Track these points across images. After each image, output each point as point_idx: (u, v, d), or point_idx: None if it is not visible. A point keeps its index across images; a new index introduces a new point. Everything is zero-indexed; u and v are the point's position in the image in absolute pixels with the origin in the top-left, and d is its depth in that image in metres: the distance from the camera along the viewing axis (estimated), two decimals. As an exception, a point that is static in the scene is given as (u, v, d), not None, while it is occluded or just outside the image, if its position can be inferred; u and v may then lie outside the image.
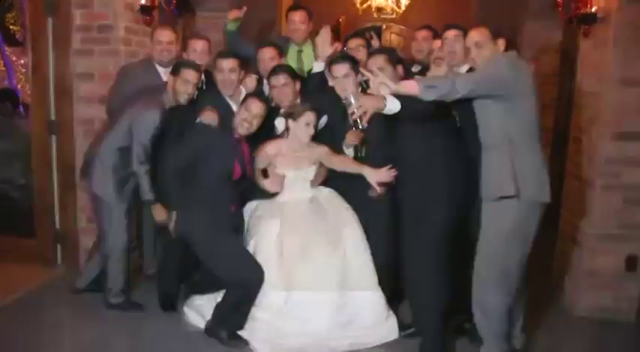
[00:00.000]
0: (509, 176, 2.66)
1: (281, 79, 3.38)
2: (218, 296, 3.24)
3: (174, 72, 3.28)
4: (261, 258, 3.10)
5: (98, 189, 3.34)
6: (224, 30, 4.01)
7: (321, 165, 3.34)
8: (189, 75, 3.25)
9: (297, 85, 3.46)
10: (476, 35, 2.82)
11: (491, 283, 2.75)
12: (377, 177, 2.86)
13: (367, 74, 2.61)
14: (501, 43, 2.84)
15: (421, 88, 2.46)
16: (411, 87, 2.48)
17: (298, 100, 3.48)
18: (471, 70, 3.02)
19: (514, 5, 5.69)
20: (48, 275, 3.98)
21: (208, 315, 3.22)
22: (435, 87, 2.49)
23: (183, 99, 3.26)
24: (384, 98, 2.51)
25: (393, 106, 2.52)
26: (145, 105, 3.24)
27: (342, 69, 3.18)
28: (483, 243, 2.78)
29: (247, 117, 3.14)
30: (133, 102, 3.30)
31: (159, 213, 3.29)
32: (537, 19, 5.49)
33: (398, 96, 2.51)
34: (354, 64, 3.22)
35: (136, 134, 3.21)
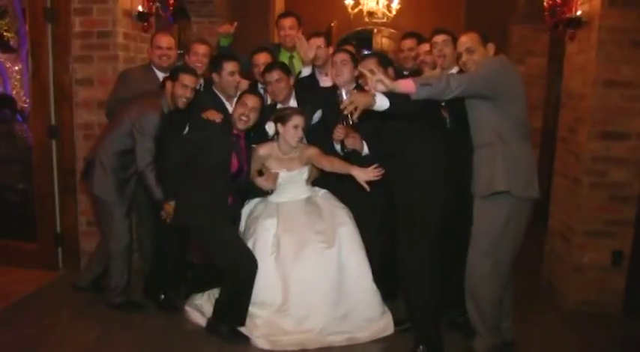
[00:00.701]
0: (501, 172, 2.76)
1: (275, 75, 3.51)
2: (217, 294, 3.32)
3: (173, 77, 3.36)
4: (258, 257, 3.18)
5: (98, 191, 3.41)
6: (217, 45, 4.11)
7: (312, 165, 3.43)
8: (188, 80, 3.33)
9: (291, 80, 3.60)
10: (467, 41, 2.92)
11: (484, 276, 2.85)
12: (364, 176, 2.96)
13: (365, 72, 2.71)
14: (491, 47, 2.93)
15: (417, 86, 2.57)
16: (406, 85, 2.59)
17: (293, 96, 3.60)
18: (460, 72, 3.11)
19: (502, 9, 5.82)
20: (49, 278, 4.04)
21: (208, 313, 3.31)
22: (430, 85, 2.60)
23: (181, 103, 3.34)
24: (374, 95, 2.62)
25: (382, 103, 2.63)
26: (144, 108, 3.32)
27: (341, 55, 3.39)
28: (476, 238, 2.88)
29: (244, 112, 3.24)
30: (131, 106, 3.37)
31: (171, 211, 3.34)
32: (525, 23, 5.62)
33: (388, 94, 2.62)
34: (354, 58, 3.38)
35: (138, 137, 3.28)
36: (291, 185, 3.43)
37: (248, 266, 3.13)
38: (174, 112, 3.40)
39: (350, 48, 3.86)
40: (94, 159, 3.43)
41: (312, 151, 3.35)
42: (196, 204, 3.19)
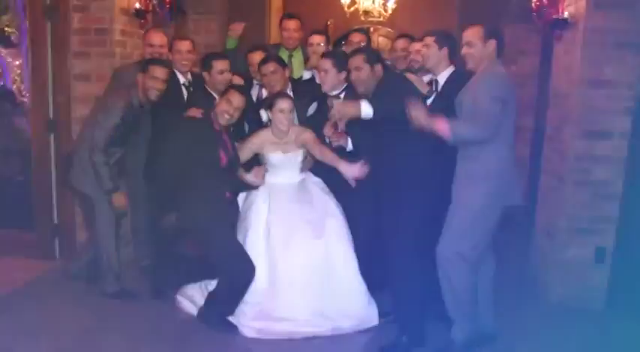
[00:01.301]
0: (480, 183, 2.86)
1: (270, 67, 3.62)
2: (209, 285, 3.41)
3: (144, 70, 3.43)
4: (249, 245, 3.26)
5: (78, 185, 3.49)
6: (224, 47, 4.21)
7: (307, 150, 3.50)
8: (158, 72, 3.40)
9: (287, 72, 3.72)
10: (468, 34, 3.01)
11: (454, 263, 2.91)
12: (351, 172, 3.05)
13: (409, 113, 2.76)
14: (492, 43, 2.97)
15: (451, 133, 2.75)
16: (442, 129, 2.75)
17: (290, 88, 3.72)
18: (451, 76, 3.20)
19: (495, 8, 5.87)
20: (46, 267, 4.12)
21: (199, 302, 3.40)
22: (463, 136, 2.78)
23: (153, 95, 3.41)
24: (360, 106, 2.78)
25: (367, 112, 2.79)
26: (111, 99, 3.40)
27: (322, 64, 3.42)
28: (454, 217, 2.94)
29: (228, 110, 3.30)
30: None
31: (119, 201, 3.43)
32: (518, 22, 5.67)
33: (372, 102, 2.78)
34: (339, 61, 3.38)
35: (97, 126, 3.34)
36: (287, 167, 3.50)
37: (245, 272, 3.19)
38: (146, 105, 3.46)
39: (359, 37, 3.96)
40: (72, 153, 3.51)
41: (307, 135, 3.42)
42: (194, 206, 3.23)
